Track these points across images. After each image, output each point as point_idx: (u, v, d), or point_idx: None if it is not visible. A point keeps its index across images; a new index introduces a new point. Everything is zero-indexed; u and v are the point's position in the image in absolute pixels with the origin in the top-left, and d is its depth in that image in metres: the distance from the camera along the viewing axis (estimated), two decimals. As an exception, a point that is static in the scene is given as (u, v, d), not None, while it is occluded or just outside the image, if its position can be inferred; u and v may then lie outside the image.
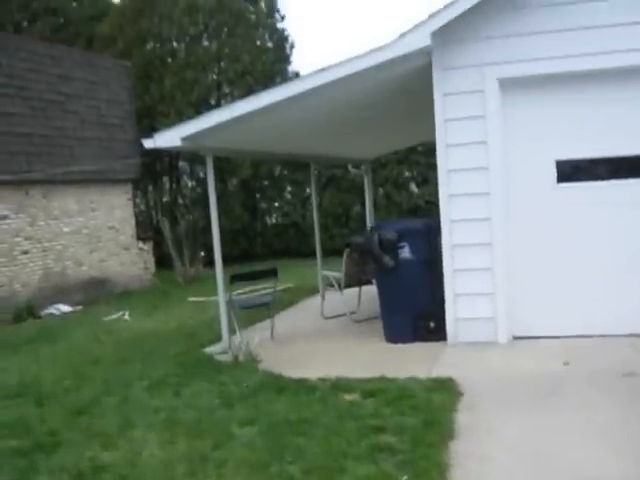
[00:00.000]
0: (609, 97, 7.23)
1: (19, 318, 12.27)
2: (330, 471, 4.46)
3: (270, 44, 20.34)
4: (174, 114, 18.59)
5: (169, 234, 16.48)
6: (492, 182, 7.41)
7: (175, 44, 19.94)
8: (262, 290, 13.08)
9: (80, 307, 13.43)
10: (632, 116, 7.18)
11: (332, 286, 9.66)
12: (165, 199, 20.76)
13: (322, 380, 6.49)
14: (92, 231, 14.98)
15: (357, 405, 5.71)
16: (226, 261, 18.81)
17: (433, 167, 19.34)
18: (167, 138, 7.72)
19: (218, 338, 8.87)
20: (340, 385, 6.28)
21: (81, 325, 11.07)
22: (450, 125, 7.45)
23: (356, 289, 9.73)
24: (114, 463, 4.90)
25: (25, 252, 13.25)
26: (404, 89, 8.14)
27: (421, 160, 19.76)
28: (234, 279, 8.21)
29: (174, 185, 21.25)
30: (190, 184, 21.56)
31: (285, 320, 8.89)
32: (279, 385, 6.43)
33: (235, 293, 13.25)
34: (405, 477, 4.25)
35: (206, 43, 20.02)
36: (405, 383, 6.17)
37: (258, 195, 21.07)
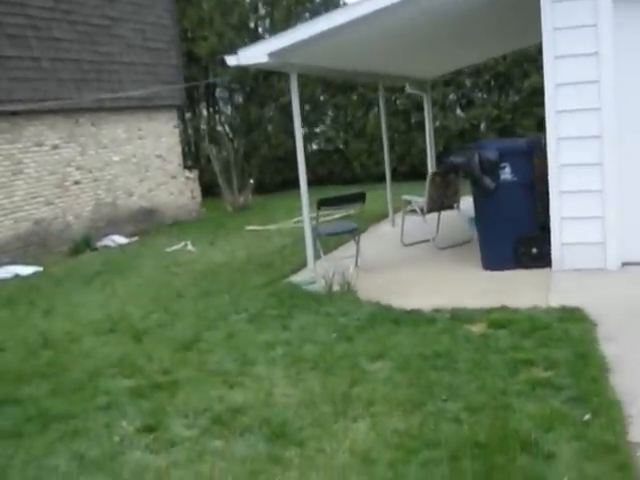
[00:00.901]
0: None
1: (76, 250, 11.94)
2: (495, 410, 4.10)
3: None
4: (215, 38, 17.88)
5: (217, 162, 15.99)
6: (603, 97, 6.88)
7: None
8: (328, 216, 12.75)
9: (135, 238, 13.08)
10: None
11: (414, 211, 9.22)
12: (203, 127, 20.15)
13: (437, 311, 6.13)
14: (140, 160, 14.53)
15: (491, 337, 5.34)
16: (268, 189, 18.67)
17: (479, 88, 19.04)
18: (252, 54, 7.20)
19: (298, 267, 8.57)
20: (460, 316, 5.92)
21: (145, 257, 10.72)
22: (559, 34, 6.87)
23: (432, 215, 9.26)
24: (248, 404, 4.56)
25: (77, 182, 12.84)
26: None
27: (467, 82, 19.08)
28: (322, 204, 7.79)
29: (212, 112, 20.62)
30: (229, 111, 20.93)
31: (363, 248, 8.41)
32: (392, 316, 6.08)
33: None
34: (588, 415, 3.88)
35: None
36: (531, 313, 5.81)
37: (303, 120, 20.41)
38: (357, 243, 8.20)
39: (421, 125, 18.90)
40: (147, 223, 14.36)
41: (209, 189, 17.27)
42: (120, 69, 13.69)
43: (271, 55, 7.11)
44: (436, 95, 18.52)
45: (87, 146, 13.09)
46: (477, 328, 5.62)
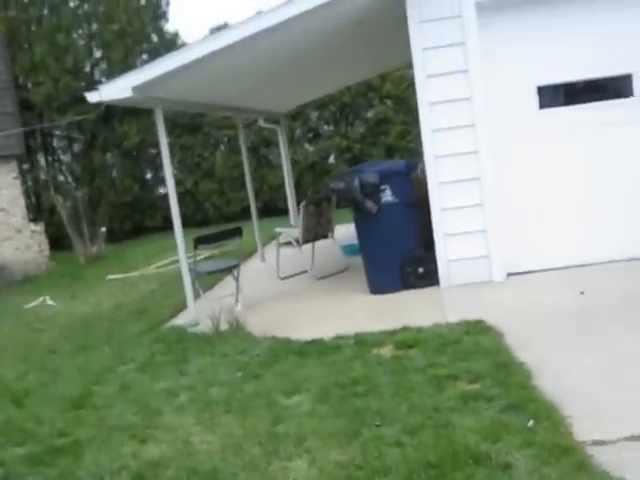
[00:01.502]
0: (585, 19, 7.00)
1: None
2: (435, 428, 3.94)
3: (144, 0, 18.92)
4: (51, 83, 17.05)
5: (64, 212, 15.13)
6: (476, 113, 7.03)
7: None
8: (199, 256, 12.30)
9: (-18, 298, 12.05)
10: (611, 37, 6.98)
11: (288, 243, 9.03)
12: (43, 177, 19.08)
13: (339, 338, 5.94)
14: (-20, 214, 13.52)
15: (404, 358, 5.20)
16: (119, 237, 17.91)
17: (325, 120, 19.29)
18: (115, 89, 6.79)
19: (175, 310, 8.18)
20: (365, 340, 5.75)
21: (2, 316, 9.85)
22: (428, 54, 6.97)
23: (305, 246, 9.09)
24: (167, 456, 4.16)
25: None
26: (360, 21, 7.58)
27: (312, 115, 19.30)
28: (198, 242, 7.43)
29: (52, 162, 19.60)
30: (69, 159, 19.97)
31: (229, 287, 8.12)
32: (294, 349, 5.83)
33: (170, 261, 12.47)
34: (532, 421, 3.80)
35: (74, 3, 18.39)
36: (435, 330, 5.74)
37: (144, 165, 19.83)
38: (237, 279, 7.87)
39: (269, 161, 19.01)
40: (-5, 281, 13.30)
41: (56, 241, 16.28)
42: (-48, 119, 12.71)
43: (135, 89, 6.73)
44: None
45: None
46: (386, 351, 5.47)
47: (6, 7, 17.47)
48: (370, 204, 7.23)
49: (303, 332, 6.28)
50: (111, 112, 18.06)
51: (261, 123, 13.04)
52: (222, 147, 19.37)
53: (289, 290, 8.49)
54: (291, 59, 8.33)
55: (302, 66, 9.05)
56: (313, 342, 5.93)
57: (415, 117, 7.09)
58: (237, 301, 7.82)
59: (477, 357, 4.96)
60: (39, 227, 15.22)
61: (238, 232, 7.73)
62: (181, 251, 7.51)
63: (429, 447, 3.71)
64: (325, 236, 9.19)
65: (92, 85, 17.54)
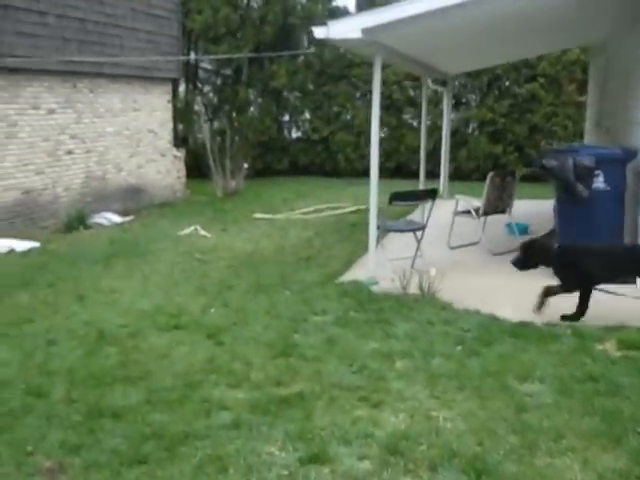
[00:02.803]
0: None
1: (70, 226, 10.94)
2: None
3: None
4: (210, 12, 16.91)
5: (209, 142, 15.06)
6: None
7: None
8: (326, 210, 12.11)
9: (130, 217, 12.10)
10: None
11: (465, 212, 8.63)
12: (179, 105, 19.08)
13: (552, 325, 5.59)
14: (133, 133, 13.53)
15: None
16: (247, 175, 17.81)
17: (475, 89, 18.61)
18: (344, 28, 6.51)
19: (345, 264, 7.93)
20: (582, 333, 5.39)
21: (156, 240, 9.81)
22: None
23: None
24: (413, 430, 3.88)
25: (69, 152, 11.80)
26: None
27: (461, 82, 18.63)
28: (394, 198, 7.12)
29: (192, 90, 19.58)
30: (210, 91, 19.94)
31: (400, 248, 7.69)
32: (505, 329, 5.52)
33: (314, 209, 12.29)
34: None
35: None
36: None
37: (286, 107, 19.63)
38: (419, 243, 7.56)
39: (408, 122, 18.52)
40: (134, 202, 13.38)
41: (189, 171, 16.28)
42: (123, 34, 12.67)
43: (365, 31, 6.42)
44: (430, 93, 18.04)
45: (83, 113, 12.06)
46: (609, 348, 5.09)
47: None
48: (581, 188, 6.76)
49: (501, 310, 5.93)
50: (261, 48, 17.91)
51: (429, 83, 12.54)
52: (364, 100, 18.91)
53: (464, 261, 8.12)
54: (494, 23, 7.83)
55: (499, 31, 8.52)
56: (523, 325, 5.59)
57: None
58: (412, 265, 7.51)
59: None
60: (181, 153, 15.26)
61: (433, 194, 7.38)
62: (373, 203, 7.19)
63: None
64: (503, 211, 8.77)
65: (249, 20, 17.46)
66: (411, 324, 5.64)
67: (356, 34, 6.42)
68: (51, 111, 11.30)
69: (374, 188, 7.17)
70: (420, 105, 17.96)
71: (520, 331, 5.42)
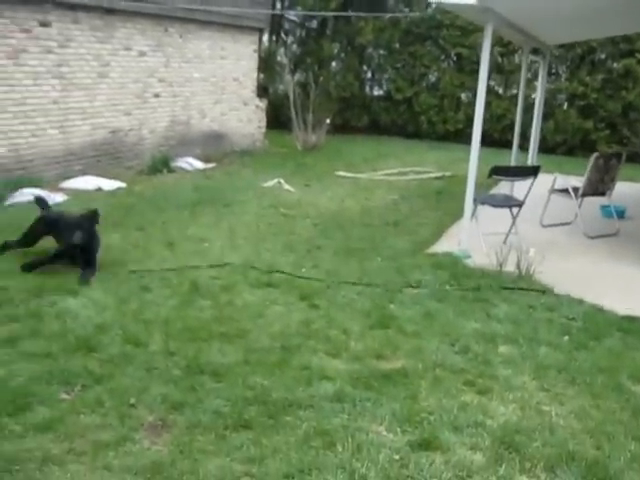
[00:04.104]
0: None
1: (154, 169, 10.93)
2: None
3: None
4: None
5: (293, 94, 14.85)
6: None
7: None
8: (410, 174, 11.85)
9: (212, 164, 12.06)
10: None
11: (563, 191, 8.29)
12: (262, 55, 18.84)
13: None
14: (219, 80, 13.43)
15: None
16: (327, 130, 17.57)
17: (567, 60, 17.89)
18: (458, -7, 6.19)
19: (435, 233, 7.73)
20: None
21: (241, 189, 9.73)
22: None
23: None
24: (525, 424, 3.69)
25: (156, 95, 11.77)
26: None
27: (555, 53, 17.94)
28: (495, 172, 6.85)
29: (275, 41, 19.32)
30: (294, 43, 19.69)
31: (489, 221, 7.37)
32: (613, 322, 5.26)
33: (398, 171, 12.04)
34: None
35: None
36: None
37: (369, 64, 19.26)
38: (514, 219, 7.29)
39: (494, 89, 17.94)
40: (215, 148, 13.33)
41: (268, 122, 16.12)
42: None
43: (480, -4, 6.11)
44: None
45: (172, 58, 11.99)
46: None
47: None
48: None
49: (606, 300, 5.65)
50: (349, 3, 17.52)
51: (529, 54, 12.02)
52: (451, 63, 18.44)
53: (558, 242, 7.81)
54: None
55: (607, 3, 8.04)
56: (631, 319, 5.31)
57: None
58: (504, 241, 7.25)
59: None
60: (263, 103, 15.10)
61: (535, 172, 7.08)
62: (472, 174, 6.93)
63: None
64: (603, 193, 8.41)
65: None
66: (512, 307, 5.42)
67: (470, 0, 6.12)
68: (142, 53, 11.25)
69: (474, 157, 6.92)
70: (508, 73, 17.71)
71: (629, 326, 5.15)
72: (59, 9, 9.45)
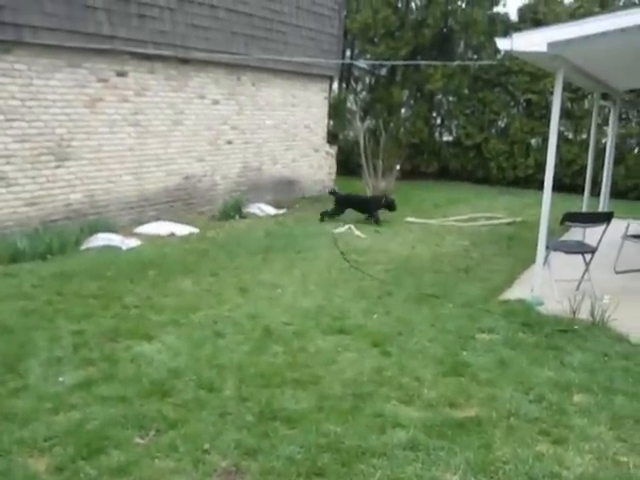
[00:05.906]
0: None
1: (225, 214, 11.16)
2: None
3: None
4: (369, 12, 16.84)
5: (363, 141, 14.97)
6: None
7: None
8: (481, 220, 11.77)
9: (283, 210, 12.24)
10: None
11: (637, 237, 8.13)
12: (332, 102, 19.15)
13: None
14: (290, 127, 13.71)
15: None
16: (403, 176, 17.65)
17: (632, 105, 17.62)
18: (529, 42, 6.28)
19: (507, 280, 7.63)
20: None
21: (312, 236, 9.84)
22: None
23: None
24: (601, 475, 3.61)
25: (229, 142, 12.07)
26: None
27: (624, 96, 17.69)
28: (567, 218, 6.78)
29: (345, 89, 19.62)
30: (363, 90, 19.96)
31: (558, 267, 7.21)
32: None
33: (468, 217, 12.00)
34: None
35: None
36: None
37: (439, 110, 19.36)
38: (587, 265, 7.17)
39: (563, 135, 17.75)
40: (286, 194, 13.56)
41: (338, 167, 16.32)
42: (287, 30, 12.84)
43: (550, 45, 6.17)
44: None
45: (245, 106, 12.31)
46: None
47: None
48: None
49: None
50: (418, 51, 17.69)
51: (599, 100, 11.93)
52: (520, 109, 18.38)
53: (633, 288, 7.62)
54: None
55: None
56: None
57: None
58: (577, 288, 7.13)
59: None
60: (333, 150, 15.30)
61: (608, 218, 6.97)
62: (544, 220, 6.86)
63: None
64: (674, 236, 8.21)
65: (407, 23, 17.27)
66: (586, 354, 5.33)
67: (541, 47, 6.19)
68: (215, 102, 11.58)
69: (547, 202, 6.85)
70: (578, 118, 17.53)
71: None
72: (135, 59, 9.85)
